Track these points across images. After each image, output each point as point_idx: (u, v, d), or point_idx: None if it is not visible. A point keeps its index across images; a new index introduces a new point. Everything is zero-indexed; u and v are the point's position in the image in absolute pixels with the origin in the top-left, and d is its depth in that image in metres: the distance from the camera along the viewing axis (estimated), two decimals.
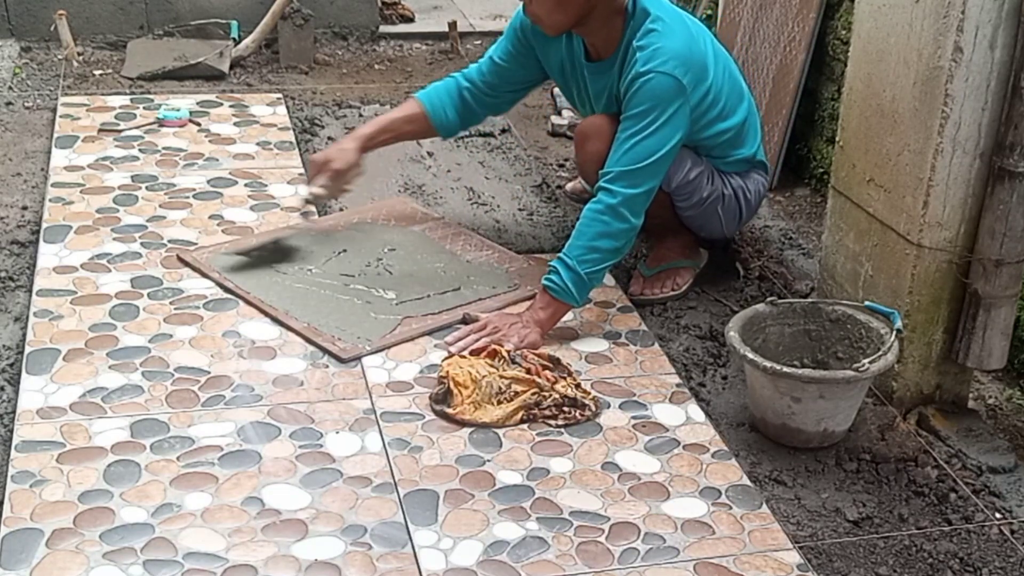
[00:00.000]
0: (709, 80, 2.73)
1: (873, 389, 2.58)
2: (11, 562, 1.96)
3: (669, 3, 2.78)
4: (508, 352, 2.52)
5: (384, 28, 4.98)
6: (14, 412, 2.36)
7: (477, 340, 2.61)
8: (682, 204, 2.88)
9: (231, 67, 4.40)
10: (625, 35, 2.72)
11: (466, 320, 2.73)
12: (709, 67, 2.73)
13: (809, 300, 2.64)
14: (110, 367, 2.51)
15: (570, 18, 2.72)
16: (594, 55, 2.84)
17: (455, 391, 2.42)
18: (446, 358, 2.55)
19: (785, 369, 2.35)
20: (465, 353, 2.55)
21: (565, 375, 2.52)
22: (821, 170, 3.63)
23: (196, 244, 3.05)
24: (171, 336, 2.64)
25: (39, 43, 4.56)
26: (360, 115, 4.05)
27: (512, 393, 2.43)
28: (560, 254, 2.69)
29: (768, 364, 2.36)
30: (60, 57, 4.44)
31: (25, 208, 3.28)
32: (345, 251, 3.02)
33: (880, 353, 2.37)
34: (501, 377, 2.44)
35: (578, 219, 2.69)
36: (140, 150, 3.63)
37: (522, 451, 2.33)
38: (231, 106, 4.04)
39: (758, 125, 2.99)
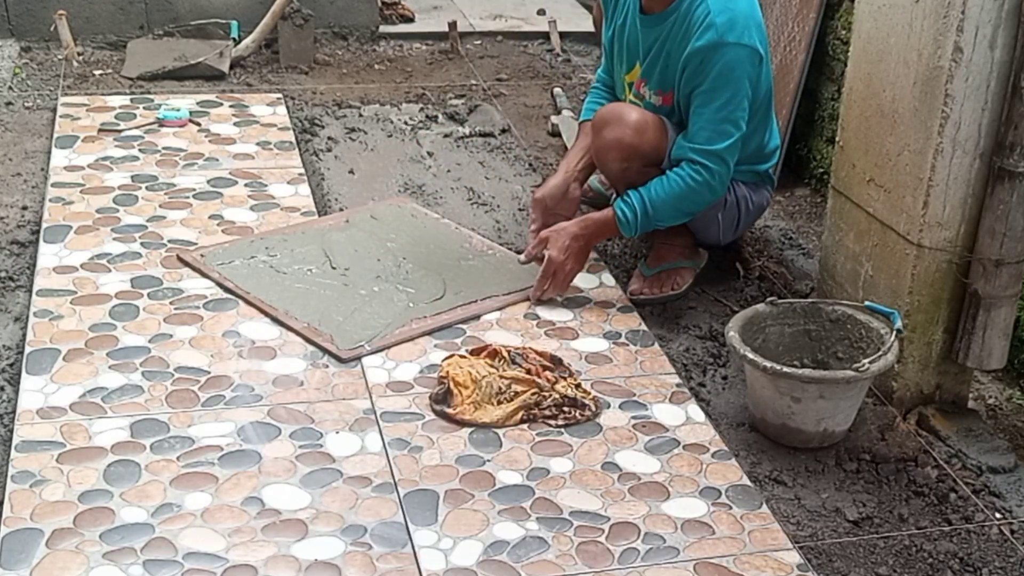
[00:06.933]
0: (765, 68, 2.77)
1: (873, 389, 2.58)
2: (11, 562, 1.96)
3: None
4: (508, 352, 2.52)
5: (384, 28, 4.98)
6: (14, 412, 2.36)
7: (559, 283, 2.85)
8: None
9: (231, 67, 4.40)
10: None
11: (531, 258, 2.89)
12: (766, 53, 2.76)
13: (809, 300, 2.64)
14: (110, 367, 2.51)
15: None
16: (647, 7, 2.82)
17: (455, 391, 2.42)
18: (446, 358, 2.55)
19: (785, 369, 2.35)
20: (465, 353, 2.56)
21: (565, 375, 2.52)
22: (821, 170, 3.63)
23: (196, 244, 3.05)
24: (171, 336, 2.64)
25: (39, 43, 4.55)
26: (360, 115, 4.05)
27: (512, 393, 2.43)
28: (645, 197, 2.75)
29: (768, 364, 2.35)
30: (60, 57, 4.43)
31: (25, 208, 3.28)
32: (346, 251, 3.02)
33: (880, 353, 2.37)
34: (501, 377, 2.44)
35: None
36: (140, 150, 3.63)
37: (522, 451, 2.33)
38: (231, 106, 4.04)
39: (779, 144, 3.00)
